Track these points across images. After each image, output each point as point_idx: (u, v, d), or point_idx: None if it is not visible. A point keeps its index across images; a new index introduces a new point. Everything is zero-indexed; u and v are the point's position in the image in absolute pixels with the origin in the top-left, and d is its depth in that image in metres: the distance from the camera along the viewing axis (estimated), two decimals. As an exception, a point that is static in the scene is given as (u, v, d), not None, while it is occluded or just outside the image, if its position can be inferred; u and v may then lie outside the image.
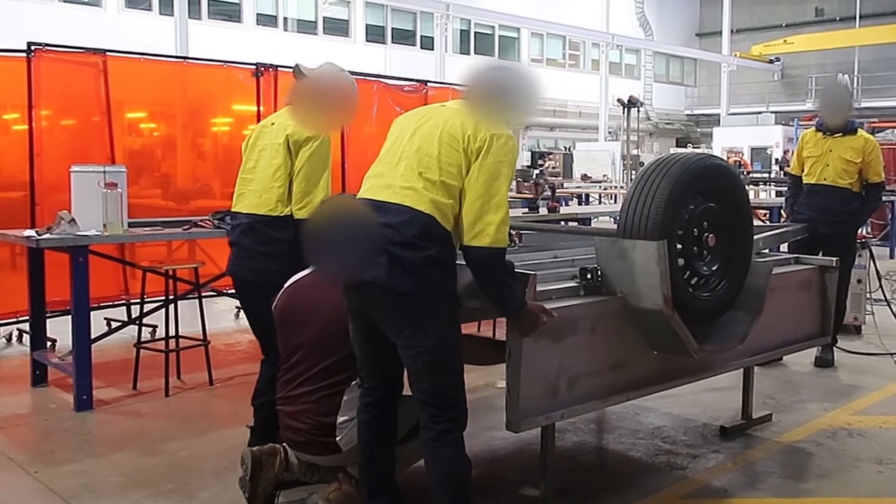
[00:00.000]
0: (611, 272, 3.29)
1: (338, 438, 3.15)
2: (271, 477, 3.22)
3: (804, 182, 5.86)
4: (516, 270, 2.87)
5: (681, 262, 3.37)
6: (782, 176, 14.25)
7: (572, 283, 3.29)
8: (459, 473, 2.85)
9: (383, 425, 3.03)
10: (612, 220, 12.12)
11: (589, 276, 3.27)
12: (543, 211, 7.43)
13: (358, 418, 3.06)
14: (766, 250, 4.94)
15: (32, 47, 5.67)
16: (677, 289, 3.24)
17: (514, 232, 4.26)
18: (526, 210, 7.34)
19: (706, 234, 3.45)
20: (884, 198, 8.44)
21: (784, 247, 5.90)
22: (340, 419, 3.14)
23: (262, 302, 3.53)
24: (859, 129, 5.76)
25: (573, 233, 4.46)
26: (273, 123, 3.64)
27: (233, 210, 3.73)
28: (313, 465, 3.28)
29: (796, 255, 4.61)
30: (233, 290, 6.34)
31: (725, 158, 23.30)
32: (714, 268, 3.53)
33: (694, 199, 3.40)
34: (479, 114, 2.84)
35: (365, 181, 3.00)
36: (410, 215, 2.74)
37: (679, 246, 3.35)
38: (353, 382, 3.12)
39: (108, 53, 6.11)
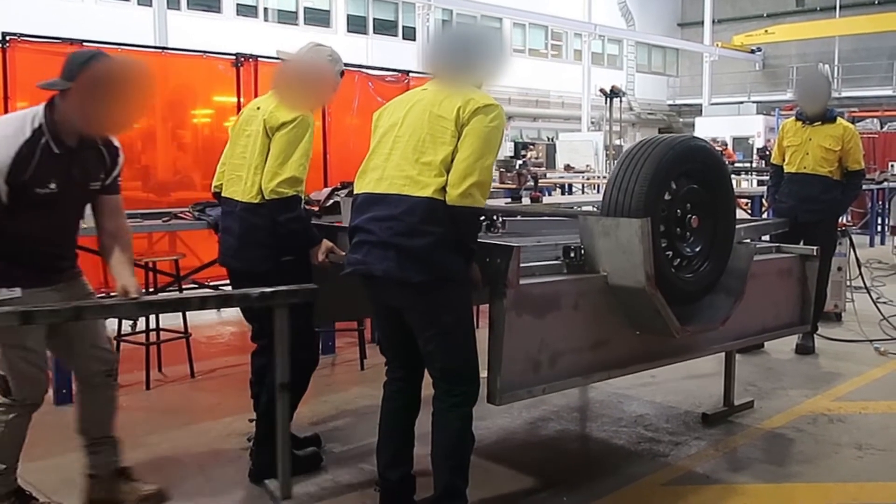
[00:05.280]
0: (594, 250, 3.30)
1: None
2: None
3: (785, 171, 5.89)
4: (499, 244, 2.97)
5: (664, 242, 3.39)
6: (764, 166, 14.33)
7: (555, 262, 3.30)
8: (463, 446, 2.96)
9: (406, 401, 3.13)
10: (594, 209, 12.20)
11: (572, 254, 3.28)
12: (526, 201, 7.43)
13: (384, 392, 3.17)
14: (748, 240, 4.96)
15: (7, 37, 5.60)
16: (660, 269, 3.25)
17: (496, 217, 4.26)
18: (509, 200, 7.35)
19: (689, 216, 3.47)
20: (863, 186, 8.52)
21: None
22: None
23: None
24: (839, 118, 5.79)
25: (556, 215, 4.45)
26: (258, 108, 3.64)
27: (224, 195, 3.70)
28: None
29: (777, 244, 4.64)
30: (214, 282, 6.35)
31: (708, 147, 23.38)
32: (697, 249, 3.55)
33: (678, 180, 3.42)
34: (454, 85, 2.88)
35: (360, 175, 3.03)
36: (410, 203, 2.79)
37: (662, 227, 3.36)
38: None
39: (85, 44, 6.02)
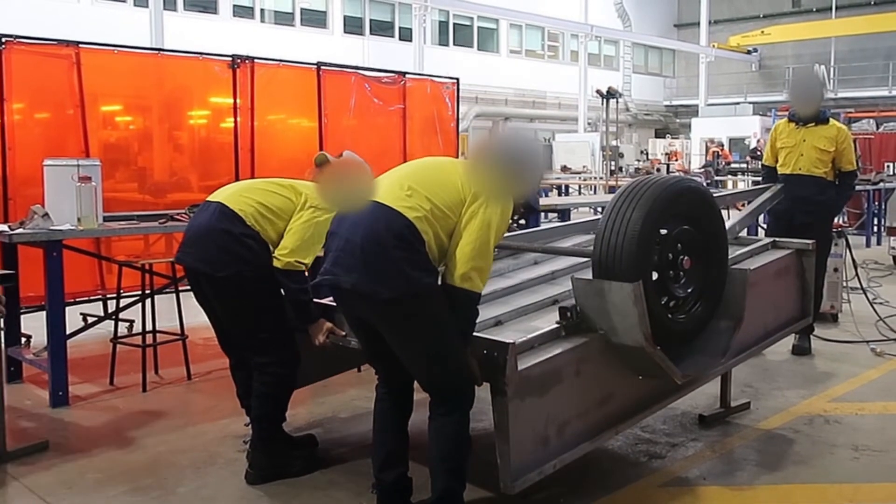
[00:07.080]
0: (590, 310, 3.24)
1: None
2: None
3: (779, 172, 5.90)
4: (497, 340, 2.94)
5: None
6: (759, 165, 14.34)
7: (553, 325, 3.21)
8: (460, 450, 2.96)
9: (398, 402, 3.14)
10: (591, 209, 12.19)
11: (569, 314, 3.22)
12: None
13: (376, 394, 3.18)
14: (744, 232, 4.96)
15: (3, 39, 5.58)
16: (655, 317, 3.19)
17: None
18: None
19: (681, 257, 3.40)
20: (858, 187, 8.54)
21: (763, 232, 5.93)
22: None
23: (214, 293, 3.57)
24: (831, 119, 5.81)
25: (549, 252, 4.37)
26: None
27: (209, 198, 3.71)
28: None
29: (773, 239, 4.62)
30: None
31: (706, 148, 23.45)
32: (689, 290, 3.48)
33: (667, 224, 3.33)
34: (486, 179, 2.94)
35: None
36: (392, 214, 2.82)
37: (655, 275, 3.29)
38: None
39: (81, 45, 6.02)
